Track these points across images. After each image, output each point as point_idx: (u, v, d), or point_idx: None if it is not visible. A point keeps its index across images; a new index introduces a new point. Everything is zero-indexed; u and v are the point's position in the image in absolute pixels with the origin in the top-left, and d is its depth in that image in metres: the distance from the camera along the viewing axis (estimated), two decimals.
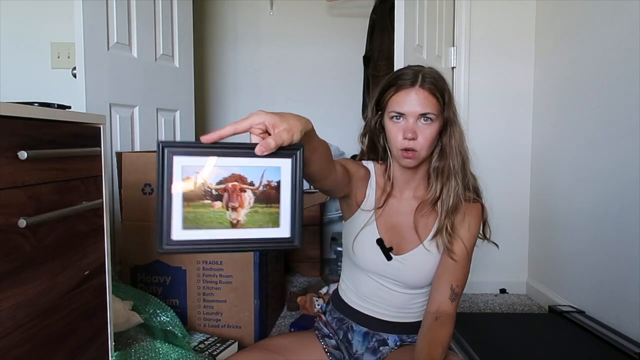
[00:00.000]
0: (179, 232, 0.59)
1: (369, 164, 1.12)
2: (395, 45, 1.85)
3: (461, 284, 1.03)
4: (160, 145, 0.58)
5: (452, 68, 2.28)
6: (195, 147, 0.60)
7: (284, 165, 0.63)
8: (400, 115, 0.98)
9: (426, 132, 0.97)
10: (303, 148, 0.64)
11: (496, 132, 2.29)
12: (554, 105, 2.11)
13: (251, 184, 0.62)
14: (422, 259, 1.05)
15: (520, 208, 2.31)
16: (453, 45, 2.28)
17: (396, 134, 0.99)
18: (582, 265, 1.87)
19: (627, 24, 1.61)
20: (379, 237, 1.06)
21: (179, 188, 0.59)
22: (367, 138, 1.10)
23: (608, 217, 1.70)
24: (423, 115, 0.96)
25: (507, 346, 1.53)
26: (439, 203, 1.03)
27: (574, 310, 1.83)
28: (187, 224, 0.59)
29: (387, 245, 1.05)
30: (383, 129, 1.05)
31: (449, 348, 1.48)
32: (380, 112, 1.05)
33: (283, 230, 0.64)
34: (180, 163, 0.59)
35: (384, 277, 1.08)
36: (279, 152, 0.62)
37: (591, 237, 1.80)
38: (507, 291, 2.33)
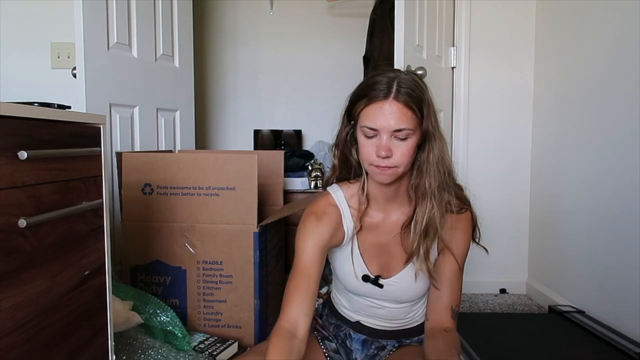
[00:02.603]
0: None
1: (337, 196, 1.01)
2: (395, 45, 1.85)
3: (459, 301, 1.00)
4: None
5: (452, 68, 2.28)
6: None
7: None
8: (374, 130, 0.88)
9: (402, 148, 0.88)
10: None
11: (496, 132, 2.29)
12: (554, 105, 2.11)
13: None
14: (413, 276, 0.99)
15: (520, 208, 2.31)
16: (453, 45, 2.28)
17: (369, 150, 0.90)
18: (582, 265, 1.87)
19: (627, 23, 1.61)
20: (364, 273, 1.00)
21: None
22: (339, 151, 1.01)
23: (608, 217, 1.70)
24: (398, 131, 0.87)
25: (507, 346, 1.53)
26: (412, 224, 0.94)
27: (574, 310, 1.83)
28: None
29: (375, 273, 1.00)
30: (356, 142, 0.95)
31: None
32: (352, 123, 0.96)
33: None
34: None
35: (374, 297, 1.04)
36: None
37: (591, 237, 1.80)
38: (507, 291, 2.33)
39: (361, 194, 0.99)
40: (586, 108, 1.86)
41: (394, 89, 0.87)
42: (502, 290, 2.33)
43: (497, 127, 2.29)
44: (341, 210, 1.00)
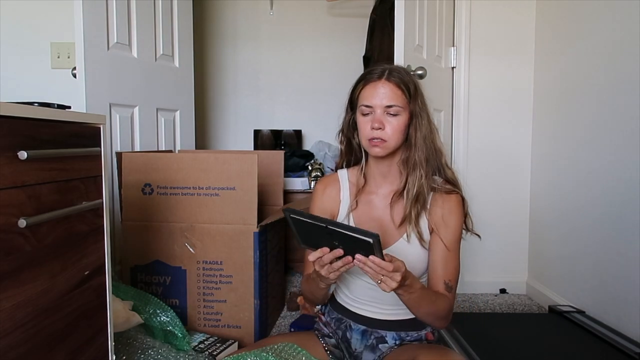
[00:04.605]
0: None
1: (342, 173, 1.18)
2: (395, 45, 1.85)
3: (454, 277, 1.06)
4: None
5: (452, 68, 2.28)
6: None
7: None
8: (369, 107, 1.04)
9: (393, 123, 1.03)
10: None
11: (496, 131, 2.29)
12: (554, 105, 2.11)
13: None
14: (405, 250, 1.06)
15: (520, 208, 2.31)
16: (453, 45, 2.28)
17: (365, 125, 1.05)
18: (582, 265, 1.87)
19: (627, 23, 1.61)
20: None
21: None
22: (343, 136, 1.16)
23: (608, 217, 1.70)
24: (389, 107, 1.02)
25: (507, 346, 1.53)
26: (404, 192, 1.07)
27: (574, 310, 1.83)
28: None
29: None
30: (356, 127, 1.10)
31: (448, 345, 1.48)
32: (354, 110, 1.10)
33: None
34: None
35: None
36: None
37: (591, 237, 1.80)
38: (507, 291, 2.33)
39: (359, 173, 1.14)
40: (586, 108, 1.86)
41: (386, 72, 1.04)
42: (502, 290, 2.33)
43: (497, 127, 2.29)
44: (341, 184, 1.17)
